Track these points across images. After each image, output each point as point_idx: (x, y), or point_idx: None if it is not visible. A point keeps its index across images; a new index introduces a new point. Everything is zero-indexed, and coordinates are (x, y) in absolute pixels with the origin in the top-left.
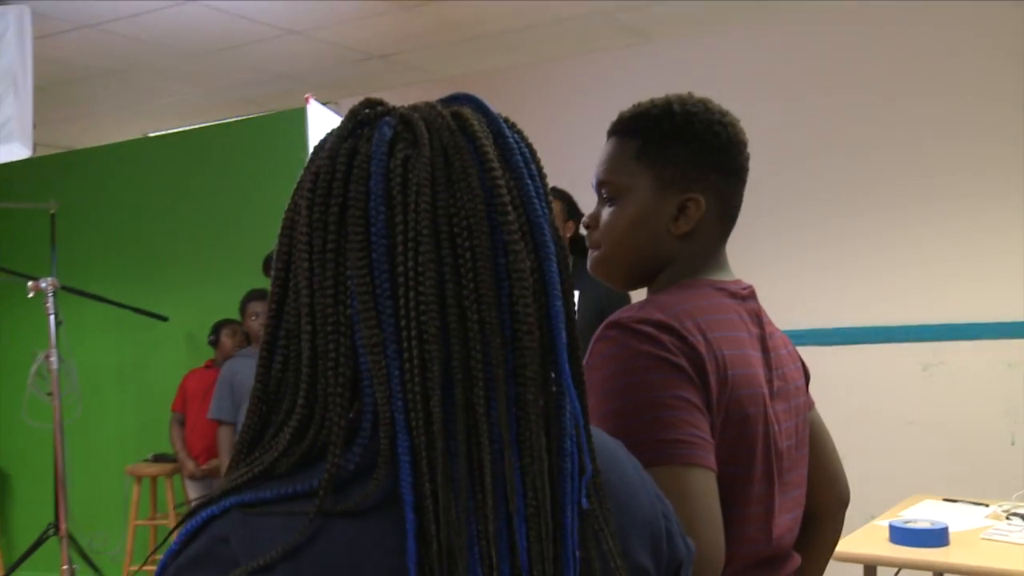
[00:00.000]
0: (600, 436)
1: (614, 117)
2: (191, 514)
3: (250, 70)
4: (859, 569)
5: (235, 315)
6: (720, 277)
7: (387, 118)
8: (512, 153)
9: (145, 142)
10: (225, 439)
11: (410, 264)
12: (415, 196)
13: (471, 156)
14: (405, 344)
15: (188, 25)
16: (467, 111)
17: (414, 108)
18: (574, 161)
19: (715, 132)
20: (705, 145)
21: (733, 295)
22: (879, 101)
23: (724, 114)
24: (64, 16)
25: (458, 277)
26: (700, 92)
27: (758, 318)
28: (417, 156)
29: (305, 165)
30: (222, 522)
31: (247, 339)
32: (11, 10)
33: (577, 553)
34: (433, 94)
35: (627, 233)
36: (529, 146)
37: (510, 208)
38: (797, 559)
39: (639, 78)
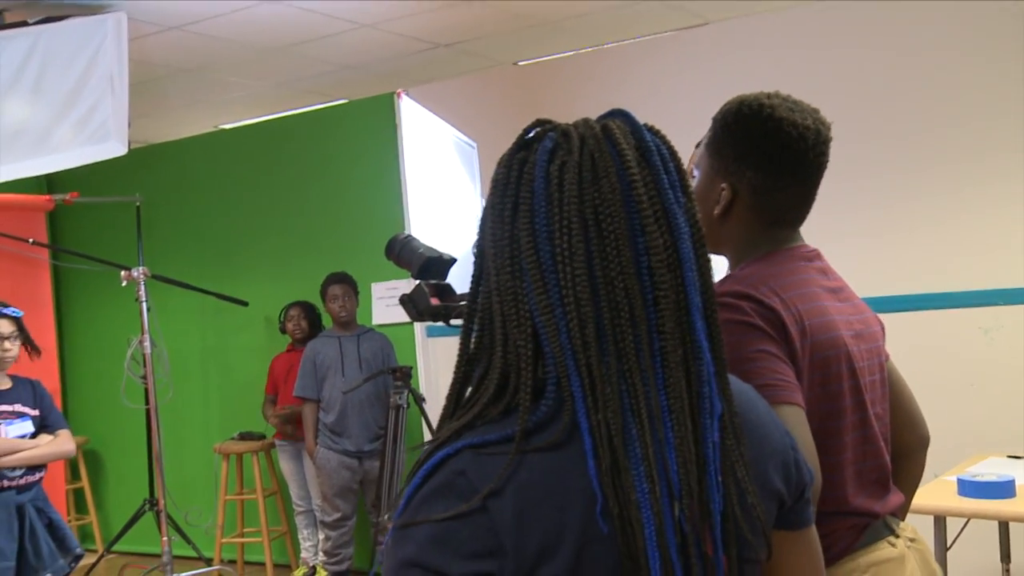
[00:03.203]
0: (737, 383)
1: (676, 99)
2: (428, 455)
3: (320, 62)
4: (929, 520)
5: (310, 297)
6: (785, 245)
7: (551, 133)
8: (651, 154)
9: (221, 134)
10: (309, 415)
11: (564, 245)
12: (567, 192)
13: (612, 158)
14: (567, 308)
15: (265, 22)
16: (615, 123)
17: (574, 124)
18: None
19: (766, 132)
20: (749, 143)
21: (801, 257)
22: (934, 75)
23: (796, 122)
24: (152, 20)
25: (604, 253)
26: (757, 73)
27: (826, 274)
28: (570, 161)
29: (396, 153)
30: (457, 459)
31: (312, 322)
32: (110, 18)
33: (719, 478)
34: (496, 80)
35: None
36: (669, 147)
37: (644, 197)
38: (900, 496)
39: (699, 61)
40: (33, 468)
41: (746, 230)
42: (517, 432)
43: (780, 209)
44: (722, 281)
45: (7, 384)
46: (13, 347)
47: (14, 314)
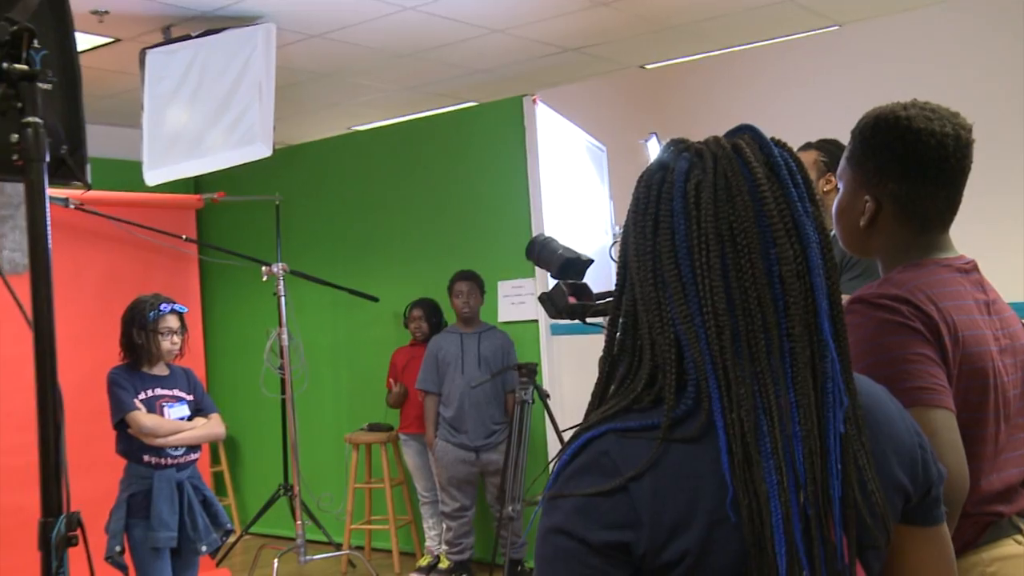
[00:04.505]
0: (866, 382)
1: (806, 103)
2: (575, 436)
3: (451, 66)
4: None
5: (437, 295)
6: (942, 255)
7: (685, 153)
8: (779, 169)
9: (355, 136)
10: (430, 407)
11: (703, 259)
12: (704, 211)
13: (744, 176)
14: (706, 317)
15: (401, 29)
16: (744, 140)
17: (705, 143)
18: None
19: (904, 144)
20: (888, 156)
21: (958, 269)
22: None
23: (934, 130)
24: (297, 28)
25: (739, 266)
26: (890, 76)
27: (981, 287)
28: (704, 180)
29: (524, 155)
30: (601, 441)
31: (433, 324)
32: (260, 28)
33: (839, 467)
34: (623, 84)
35: (835, 221)
36: (797, 160)
37: (775, 212)
38: None
39: (831, 64)
40: (191, 448)
41: (894, 239)
42: (662, 424)
43: (925, 216)
44: (879, 284)
45: (165, 371)
46: (179, 340)
47: (181, 310)
